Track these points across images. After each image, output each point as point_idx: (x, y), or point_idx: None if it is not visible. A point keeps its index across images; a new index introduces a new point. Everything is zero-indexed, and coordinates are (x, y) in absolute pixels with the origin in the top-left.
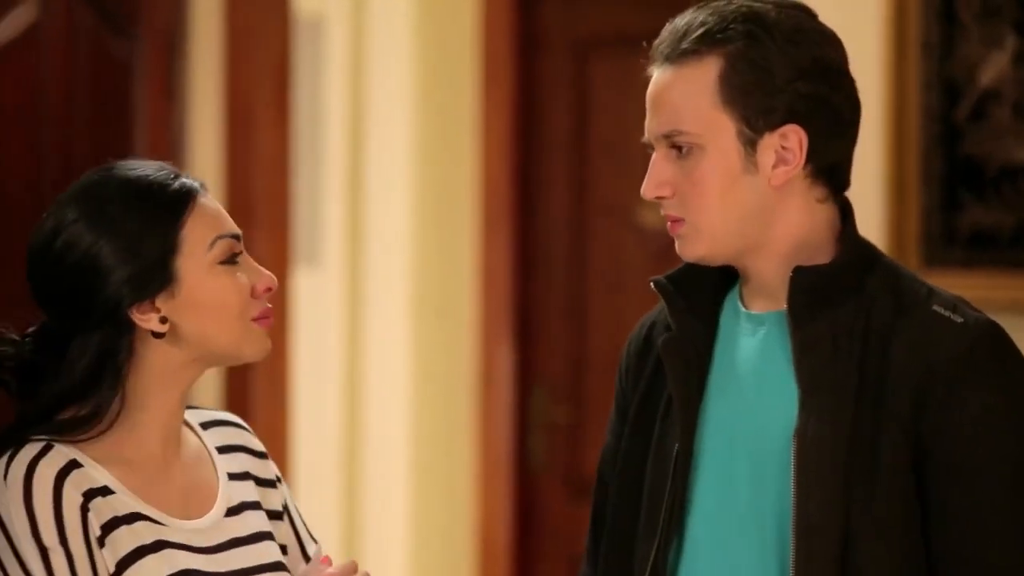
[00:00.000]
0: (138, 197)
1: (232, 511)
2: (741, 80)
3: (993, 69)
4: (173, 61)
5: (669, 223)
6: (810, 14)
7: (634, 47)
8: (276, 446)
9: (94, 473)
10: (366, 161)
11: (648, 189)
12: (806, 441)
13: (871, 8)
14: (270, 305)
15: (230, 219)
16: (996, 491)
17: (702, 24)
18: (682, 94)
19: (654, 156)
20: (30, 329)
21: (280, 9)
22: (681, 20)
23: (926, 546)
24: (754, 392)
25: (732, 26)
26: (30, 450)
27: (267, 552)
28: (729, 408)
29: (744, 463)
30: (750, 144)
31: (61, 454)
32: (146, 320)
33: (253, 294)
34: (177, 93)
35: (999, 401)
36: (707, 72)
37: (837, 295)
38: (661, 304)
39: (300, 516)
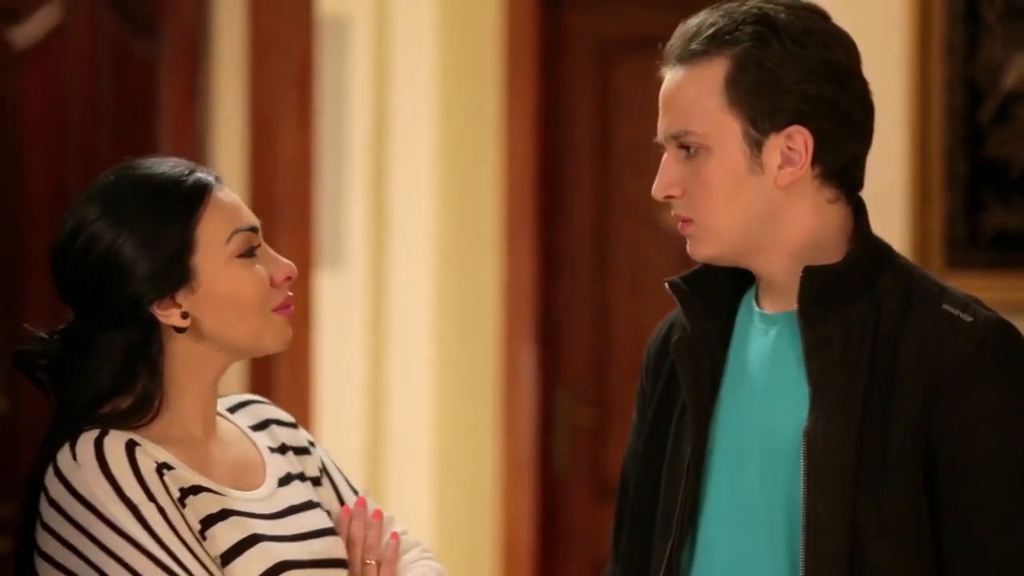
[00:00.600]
0: (153, 194)
1: (282, 481)
2: (747, 81)
3: (1017, 70)
4: (197, 62)
5: (679, 223)
6: (823, 16)
7: (657, 49)
8: None
9: (153, 451)
10: (390, 162)
11: (658, 189)
12: (815, 440)
13: (895, 9)
14: (291, 294)
15: (247, 211)
16: (1004, 489)
17: (712, 25)
18: (690, 94)
19: (665, 156)
20: (58, 328)
21: (304, 10)
22: (692, 21)
23: (937, 546)
24: (765, 392)
25: (741, 28)
26: (89, 435)
27: (321, 519)
28: (740, 408)
29: (755, 463)
30: (756, 145)
31: (119, 436)
32: (167, 316)
33: (272, 284)
34: (201, 94)
35: (1008, 399)
36: (715, 73)
37: (847, 294)
38: None
39: (340, 471)
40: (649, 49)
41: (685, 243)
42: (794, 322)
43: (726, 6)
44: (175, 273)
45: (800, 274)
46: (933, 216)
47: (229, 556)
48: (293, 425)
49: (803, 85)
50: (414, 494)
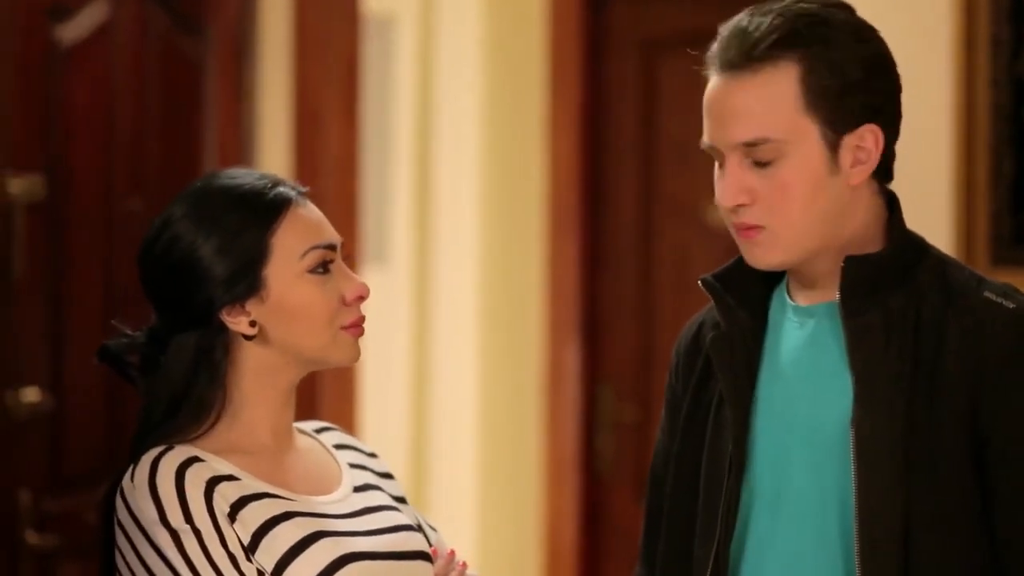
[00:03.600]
0: (236, 201)
1: (359, 489)
2: (821, 83)
3: None
4: (242, 60)
5: (741, 231)
6: (852, 10)
7: (701, 46)
8: None
9: (216, 464)
10: (434, 160)
11: (728, 196)
12: (864, 430)
13: (940, 6)
14: (363, 313)
15: (329, 228)
16: None
17: (773, 29)
18: (764, 101)
19: (729, 163)
20: (144, 326)
21: (349, 8)
22: (743, 24)
23: (988, 533)
24: (806, 384)
25: (802, 29)
26: (150, 455)
27: (399, 517)
28: (782, 401)
29: (801, 454)
30: (832, 146)
31: (181, 452)
32: (236, 323)
33: (344, 302)
34: (246, 92)
35: None
36: (786, 77)
37: (888, 284)
38: (710, 304)
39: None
40: (694, 46)
41: (729, 240)
42: (832, 313)
43: (764, 8)
44: (247, 281)
45: (839, 265)
46: (978, 214)
47: (292, 553)
48: (374, 455)
49: (868, 82)
50: (458, 491)
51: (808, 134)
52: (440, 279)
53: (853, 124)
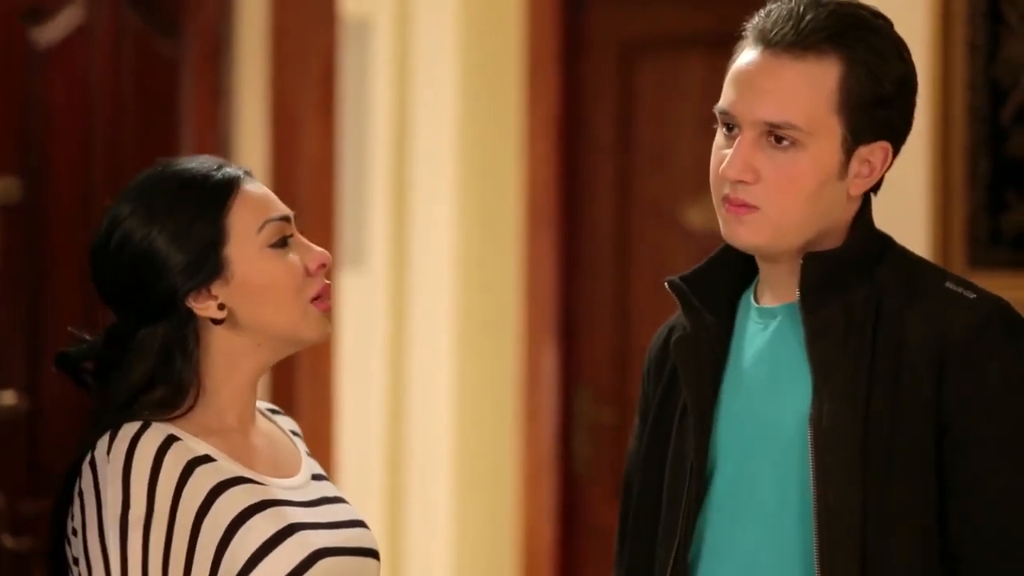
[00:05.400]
0: (183, 189)
1: (316, 477)
2: (857, 88)
3: None
4: (219, 62)
5: (733, 206)
6: (891, 22)
7: (680, 49)
8: (321, 446)
9: (192, 444)
10: (412, 162)
11: (734, 170)
12: (821, 426)
13: (917, 8)
14: (328, 282)
15: (278, 202)
16: (1009, 465)
17: (827, 21)
18: (802, 88)
19: (743, 137)
20: (101, 330)
21: (326, 10)
22: (797, 7)
23: (946, 523)
24: (767, 384)
25: (854, 31)
26: (129, 429)
27: (354, 511)
28: (743, 404)
29: (761, 455)
30: (848, 153)
31: (159, 430)
32: (204, 308)
33: (307, 272)
34: (223, 94)
35: (1015, 371)
36: (828, 72)
37: (848, 280)
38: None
39: None
40: (671, 49)
41: (707, 242)
42: (794, 312)
43: (824, 1)
44: (208, 264)
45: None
46: (955, 215)
47: (267, 547)
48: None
49: (897, 100)
50: (435, 493)
51: (831, 133)
52: (417, 282)
53: (872, 137)
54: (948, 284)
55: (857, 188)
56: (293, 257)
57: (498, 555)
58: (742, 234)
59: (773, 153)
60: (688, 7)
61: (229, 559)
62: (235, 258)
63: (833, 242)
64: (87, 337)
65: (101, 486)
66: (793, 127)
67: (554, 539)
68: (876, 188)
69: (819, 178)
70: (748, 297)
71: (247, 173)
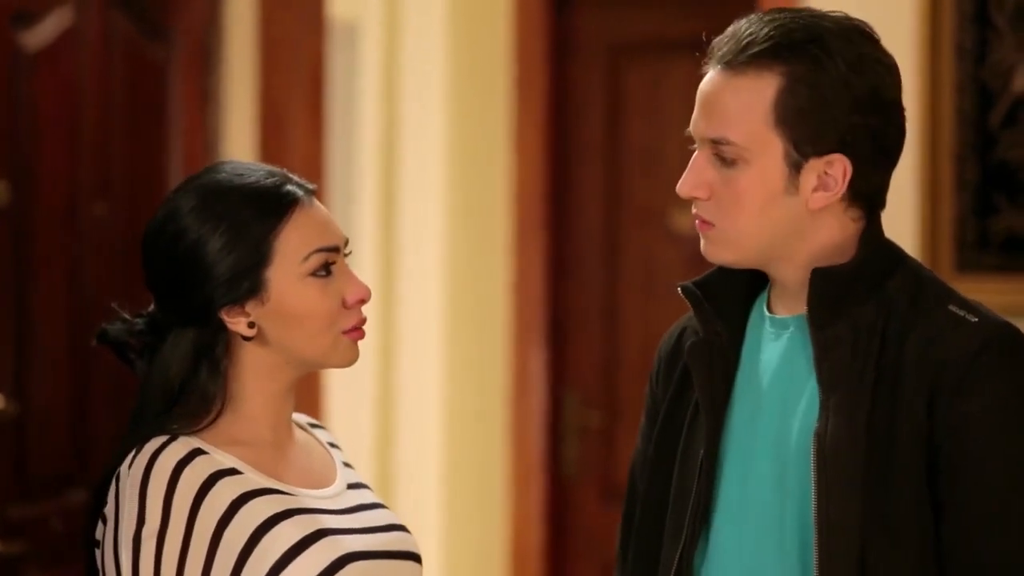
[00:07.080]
0: (243, 200)
1: (352, 486)
2: (797, 103)
3: None
4: (207, 65)
5: (697, 222)
6: (873, 39)
7: (667, 52)
8: None
9: (219, 457)
10: (400, 166)
11: (685, 188)
12: (825, 441)
13: (905, 12)
14: (364, 316)
15: (334, 228)
16: (1001, 488)
17: (768, 38)
18: (736, 104)
19: (696, 155)
20: (142, 312)
21: (315, 14)
22: (747, 26)
23: (938, 544)
24: (777, 395)
25: (797, 45)
26: (153, 444)
27: (392, 516)
28: (753, 412)
29: (767, 465)
30: (795, 166)
31: (184, 444)
32: (235, 323)
33: (344, 305)
34: (212, 97)
35: (1009, 398)
36: (764, 88)
37: (857, 295)
38: (691, 310)
39: None
40: (659, 52)
41: (696, 246)
42: (805, 325)
43: (778, 16)
44: (247, 283)
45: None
46: (943, 219)
47: (294, 551)
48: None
49: (851, 115)
50: (423, 495)
51: (771, 148)
52: (405, 284)
53: (822, 150)
54: (951, 307)
55: (817, 202)
56: (333, 288)
57: (487, 557)
58: (709, 251)
59: (722, 170)
60: (675, 11)
61: (254, 564)
62: (275, 281)
63: (842, 256)
64: (126, 316)
65: (120, 501)
66: (729, 143)
67: (542, 541)
68: (879, 204)
69: (764, 194)
70: (761, 306)
71: (310, 192)
